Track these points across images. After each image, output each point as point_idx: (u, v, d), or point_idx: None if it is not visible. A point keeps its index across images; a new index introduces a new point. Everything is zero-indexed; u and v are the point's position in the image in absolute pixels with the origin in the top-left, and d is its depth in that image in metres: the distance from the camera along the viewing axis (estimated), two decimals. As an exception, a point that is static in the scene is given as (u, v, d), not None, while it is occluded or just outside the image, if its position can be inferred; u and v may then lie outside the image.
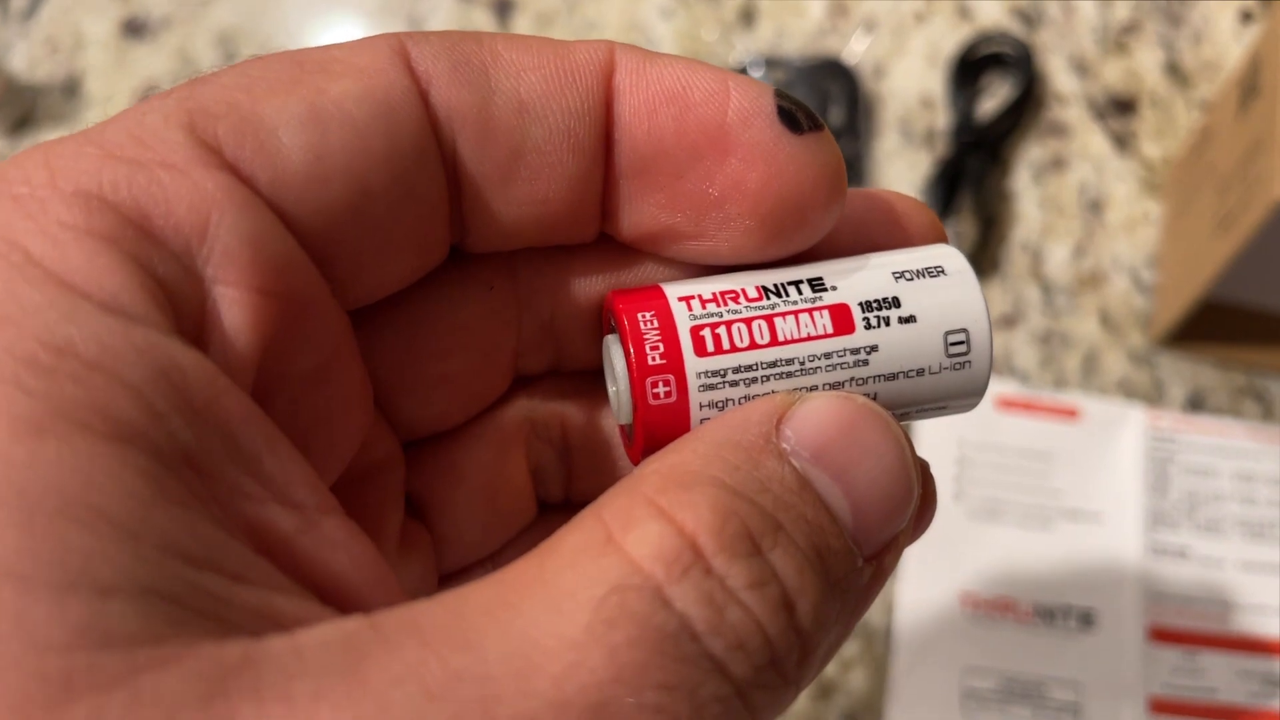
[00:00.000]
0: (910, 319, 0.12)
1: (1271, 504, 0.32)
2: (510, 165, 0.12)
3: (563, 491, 0.15)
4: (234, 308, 0.10)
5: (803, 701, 0.30)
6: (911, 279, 0.12)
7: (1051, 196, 0.36)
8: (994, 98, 0.37)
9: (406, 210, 0.11)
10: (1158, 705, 0.30)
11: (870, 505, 0.11)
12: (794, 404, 0.11)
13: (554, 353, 0.14)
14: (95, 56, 0.39)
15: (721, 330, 0.12)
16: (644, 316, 0.12)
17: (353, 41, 0.11)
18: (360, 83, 0.11)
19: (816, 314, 0.12)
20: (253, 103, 0.10)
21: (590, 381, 0.14)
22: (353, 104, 0.11)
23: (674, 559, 0.09)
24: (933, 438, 0.32)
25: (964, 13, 0.39)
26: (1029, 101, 0.37)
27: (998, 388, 0.33)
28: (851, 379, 0.12)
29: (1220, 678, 0.30)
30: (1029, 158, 0.36)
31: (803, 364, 0.12)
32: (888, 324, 0.12)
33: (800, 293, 0.12)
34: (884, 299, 0.12)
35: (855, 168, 0.36)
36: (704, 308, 0.12)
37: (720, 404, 0.12)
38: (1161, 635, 0.30)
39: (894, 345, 0.12)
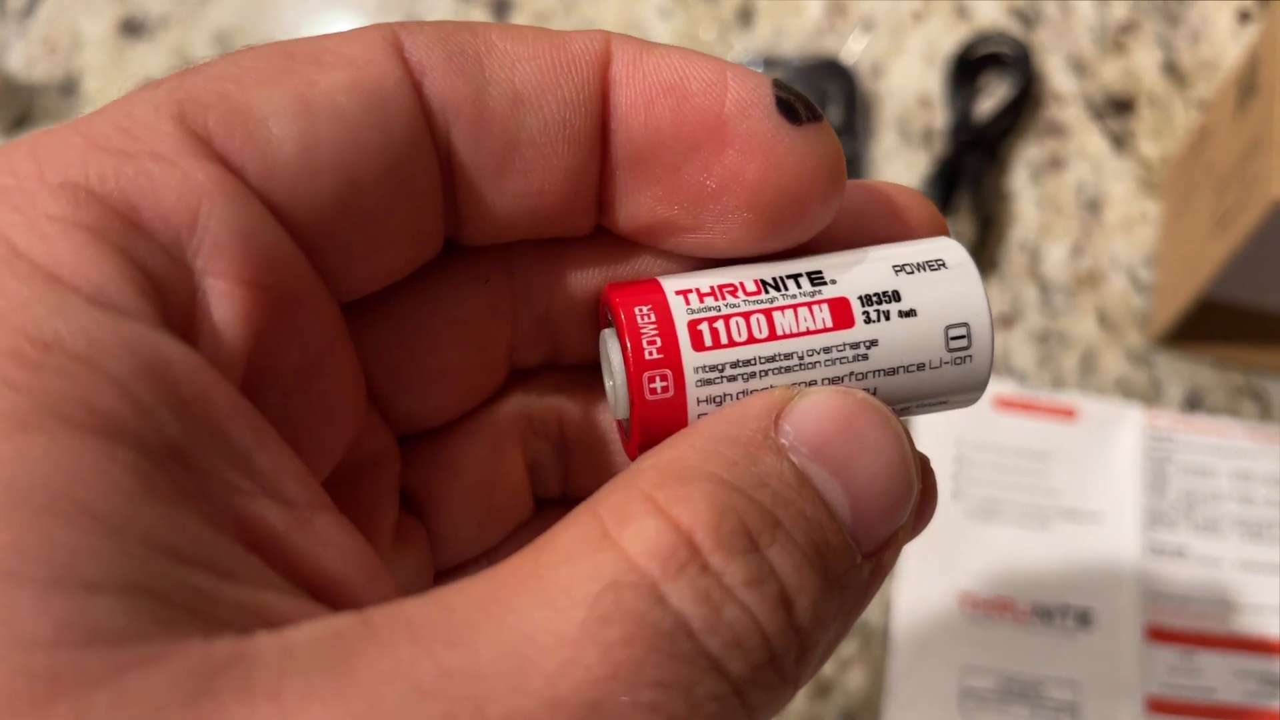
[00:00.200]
0: (911, 313, 0.12)
1: (1269, 504, 0.32)
2: (505, 157, 0.11)
3: (559, 487, 0.15)
4: (223, 300, 0.10)
5: (800, 701, 0.30)
6: (912, 272, 0.12)
7: (1049, 196, 0.36)
8: (992, 97, 0.37)
9: (399, 202, 0.11)
10: (1155, 705, 0.30)
11: (869, 501, 0.10)
12: (793, 398, 0.11)
13: (550, 346, 0.14)
14: (93, 56, 0.39)
15: (720, 324, 0.11)
16: (641, 310, 0.11)
17: (346, 32, 0.11)
18: (352, 73, 0.11)
19: (815, 308, 0.12)
20: (243, 93, 0.10)
21: (587, 375, 0.14)
22: (344, 95, 0.10)
23: (670, 555, 0.09)
24: (930, 437, 0.32)
25: (962, 12, 0.39)
26: (1027, 101, 0.37)
27: (995, 387, 0.33)
28: (851, 374, 0.12)
29: (1218, 677, 0.30)
30: (1027, 157, 0.36)
31: (801, 358, 0.11)
32: (888, 318, 0.12)
33: (799, 286, 0.12)
34: (884, 293, 0.12)
35: (853, 167, 0.36)
36: (701, 301, 0.12)
37: (718, 399, 0.11)
38: (1159, 635, 0.30)
39: (894, 339, 0.12)
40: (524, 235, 0.12)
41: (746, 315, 0.11)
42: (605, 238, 0.13)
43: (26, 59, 0.38)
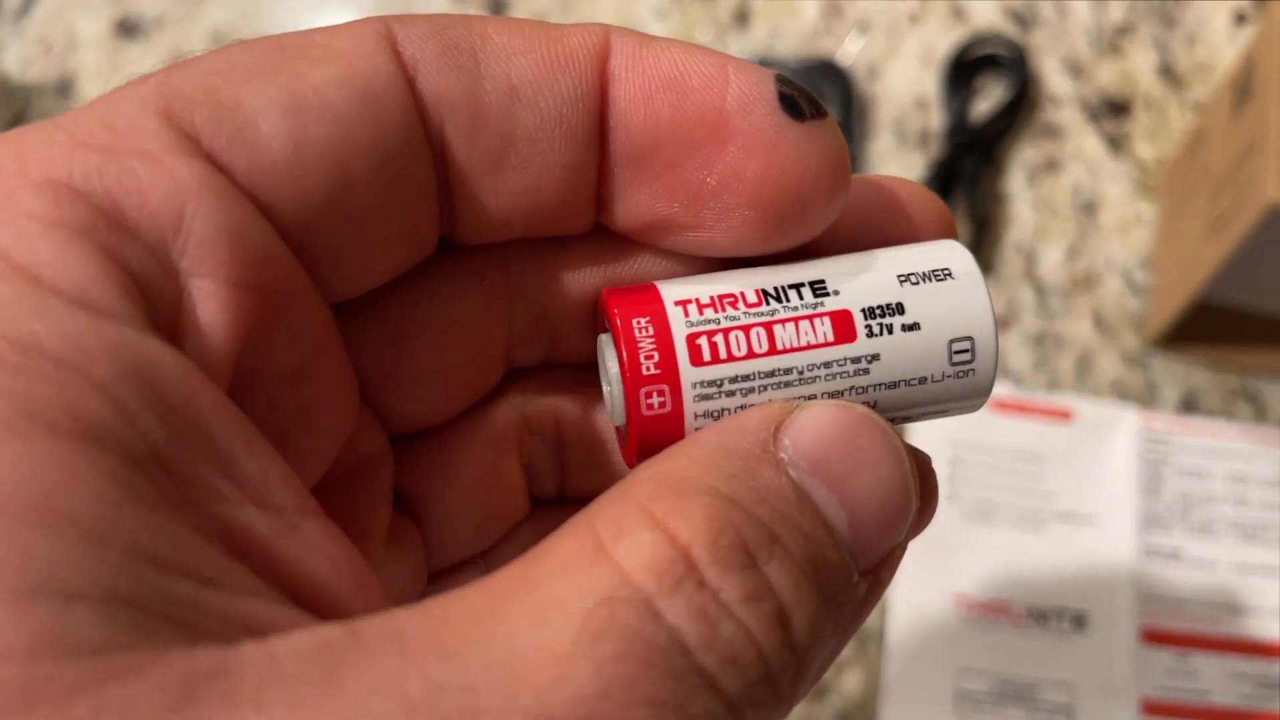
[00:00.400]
0: (914, 326, 0.11)
1: (1265, 506, 0.32)
2: (501, 153, 0.11)
3: (556, 487, 0.14)
4: (210, 302, 0.09)
5: (795, 705, 0.30)
6: (917, 283, 0.12)
7: (1045, 198, 0.36)
8: (988, 99, 0.37)
9: (392, 201, 0.11)
10: (1150, 707, 0.30)
11: (868, 518, 0.10)
12: (792, 412, 0.11)
13: (547, 346, 0.14)
14: (88, 56, 0.38)
15: (719, 338, 0.11)
16: (639, 323, 0.11)
17: (337, 25, 0.11)
18: (343, 68, 0.10)
19: (817, 321, 0.11)
20: (231, 89, 0.10)
21: (585, 374, 0.14)
22: (335, 90, 0.10)
23: (666, 570, 0.09)
24: (926, 439, 0.32)
25: (958, 14, 0.38)
26: (1023, 103, 0.37)
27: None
28: (851, 388, 0.11)
29: (1213, 680, 0.30)
30: (1023, 159, 0.36)
31: (802, 373, 0.11)
32: (890, 331, 0.11)
33: (801, 297, 0.11)
34: (887, 305, 0.11)
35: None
36: (701, 314, 0.11)
37: (716, 413, 0.11)
38: (1154, 637, 0.30)
39: (896, 354, 0.11)
40: (521, 233, 0.12)
41: (746, 329, 0.11)
42: (604, 235, 0.13)
43: (22, 59, 0.38)
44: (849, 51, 0.38)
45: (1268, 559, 0.31)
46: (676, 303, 0.11)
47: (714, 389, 0.11)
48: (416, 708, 0.08)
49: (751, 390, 0.11)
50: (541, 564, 0.09)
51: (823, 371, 0.11)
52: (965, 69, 0.37)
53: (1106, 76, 0.38)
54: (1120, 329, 0.34)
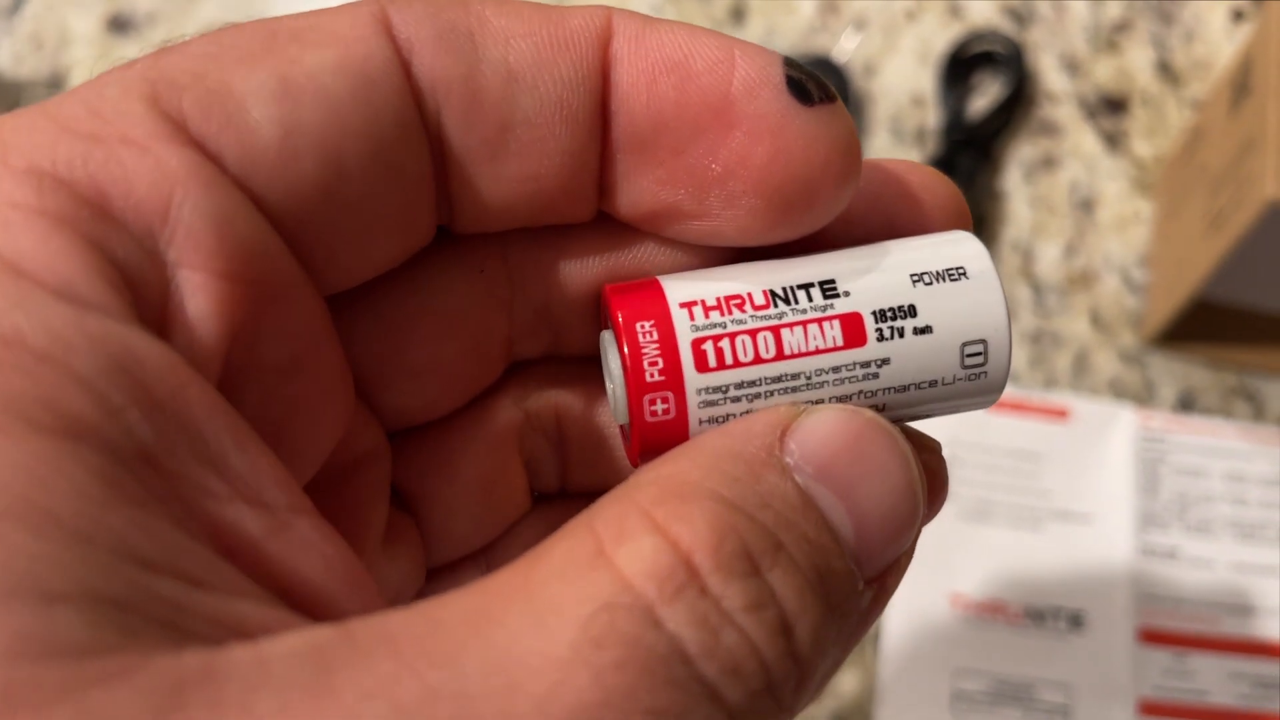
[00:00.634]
0: (926, 329, 0.11)
1: (1262, 505, 0.32)
2: (500, 139, 0.11)
3: (558, 482, 0.14)
4: (199, 294, 0.09)
5: (792, 705, 0.30)
6: (930, 283, 0.11)
7: (1042, 195, 0.36)
8: (985, 96, 0.37)
9: (388, 189, 0.11)
10: (1148, 707, 0.29)
11: (874, 526, 0.10)
12: (798, 416, 0.10)
13: (549, 338, 0.13)
14: (81, 52, 0.38)
15: (725, 343, 0.11)
16: (643, 327, 0.11)
17: (331, 8, 0.11)
18: (337, 52, 0.10)
19: (826, 324, 0.11)
20: (221, 73, 0.10)
21: (587, 367, 0.14)
22: (328, 75, 0.10)
23: (667, 577, 0.09)
24: (923, 438, 0.32)
25: (955, 11, 0.38)
26: (1020, 100, 0.37)
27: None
28: (860, 392, 0.11)
29: (1211, 679, 0.30)
30: (1020, 156, 0.36)
31: (809, 378, 0.11)
32: (901, 335, 0.11)
33: (810, 299, 0.11)
34: (899, 308, 0.11)
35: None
36: (707, 317, 0.11)
37: (721, 419, 0.11)
38: (1152, 637, 0.30)
39: (907, 358, 0.11)
40: (521, 222, 0.12)
41: (753, 333, 0.11)
42: (607, 224, 0.12)
43: (14, 55, 0.38)
44: (845, 48, 0.38)
45: (1266, 558, 0.31)
46: (682, 304, 0.11)
47: (719, 395, 0.11)
48: (410, 715, 0.07)
49: (757, 396, 0.11)
50: (540, 567, 0.09)
51: (831, 376, 0.11)
52: (962, 66, 0.37)
53: (1104, 73, 0.37)
54: (1118, 327, 0.34)
